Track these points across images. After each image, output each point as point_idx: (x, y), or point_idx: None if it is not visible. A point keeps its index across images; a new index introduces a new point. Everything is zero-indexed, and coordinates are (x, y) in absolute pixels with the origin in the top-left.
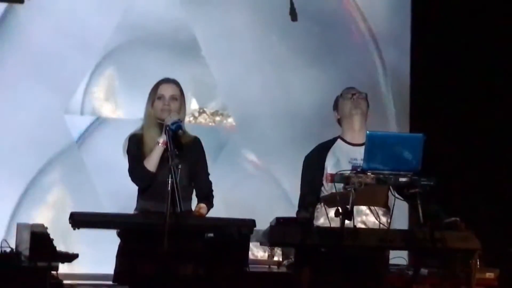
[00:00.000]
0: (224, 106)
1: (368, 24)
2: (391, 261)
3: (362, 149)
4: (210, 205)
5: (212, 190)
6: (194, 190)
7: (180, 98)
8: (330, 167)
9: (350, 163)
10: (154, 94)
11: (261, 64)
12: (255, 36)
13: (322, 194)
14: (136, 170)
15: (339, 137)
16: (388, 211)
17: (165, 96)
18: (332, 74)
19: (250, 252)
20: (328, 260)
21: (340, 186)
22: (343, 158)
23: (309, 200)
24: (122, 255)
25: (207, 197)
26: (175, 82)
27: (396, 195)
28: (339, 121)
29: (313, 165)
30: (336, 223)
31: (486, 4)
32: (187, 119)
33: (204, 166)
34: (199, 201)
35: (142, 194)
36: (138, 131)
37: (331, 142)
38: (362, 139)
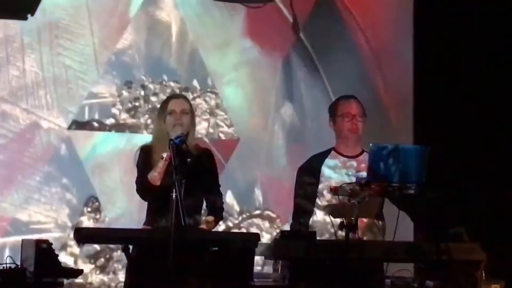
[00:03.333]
0: (229, 121)
1: (371, 37)
2: (397, 274)
3: (356, 161)
4: (219, 217)
5: (222, 202)
6: (203, 203)
7: (191, 112)
8: (325, 179)
9: (346, 174)
10: (164, 110)
11: (264, 78)
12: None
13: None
14: (140, 184)
15: (333, 149)
16: (384, 223)
17: (176, 111)
18: (335, 87)
19: (254, 266)
20: (323, 274)
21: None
22: (338, 170)
23: (303, 212)
24: (130, 269)
25: (216, 210)
26: (184, 97)
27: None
28: (334, 130)
29: (308, 176)
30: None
31: (489, 16)
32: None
33: (214, 178)
34: (208, 213)
35: (150, 208)
36: (150, 142)
37: (325, 153)
38: (356, 152)
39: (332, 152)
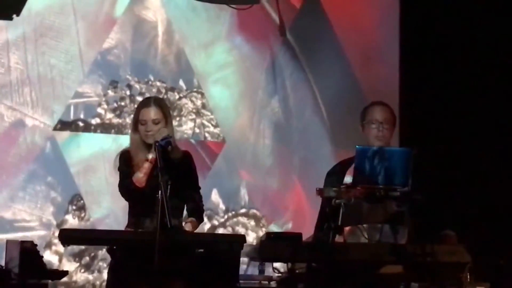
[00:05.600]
0: (215, 121)
1: (357, 38)
2: None
3: None
4: (200, 219)
5: (202, 205)
6: (185, 205)
7: (163, 119)
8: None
9: None
10: (136, 119)
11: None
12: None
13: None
14: (124, 186)
15: None
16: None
17: (147, 121)
18: (321, 87)
19: (240, 268)
20: (340, 278)
21: None
22: None
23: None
24: (113, 271)
25: (197, 212)
26: (156, 104)
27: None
28: (364, 136)
29: (334, 182)
30: (352, 239)
31: (475, 16)
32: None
33: (194, 181)
34: (189, 216)
35: (132, 210)
36: (129, 147)
37: (352, 159)
38: None
39: None
